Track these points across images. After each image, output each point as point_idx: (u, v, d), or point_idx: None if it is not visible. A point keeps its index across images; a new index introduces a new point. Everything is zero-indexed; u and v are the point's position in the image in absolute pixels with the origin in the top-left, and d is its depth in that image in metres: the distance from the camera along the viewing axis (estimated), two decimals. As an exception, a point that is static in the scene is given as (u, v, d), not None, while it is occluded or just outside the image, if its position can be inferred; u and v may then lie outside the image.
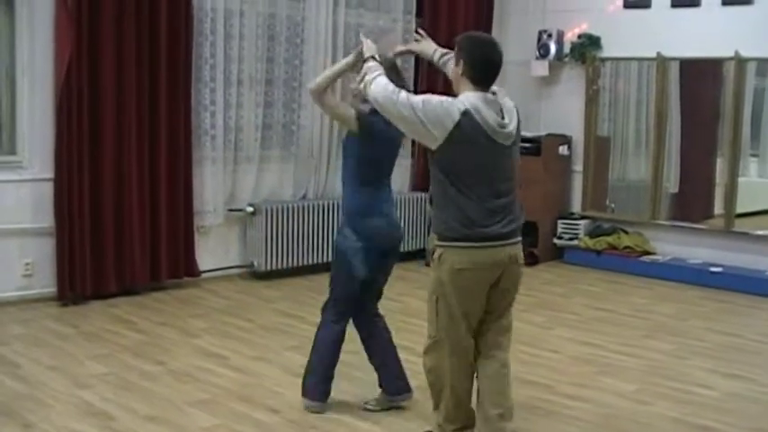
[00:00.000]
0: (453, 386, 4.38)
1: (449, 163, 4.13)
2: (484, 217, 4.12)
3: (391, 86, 4.15)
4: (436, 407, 4.53)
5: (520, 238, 4.31)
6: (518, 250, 4.29)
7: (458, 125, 4.02)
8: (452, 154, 4.09)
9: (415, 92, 4.30)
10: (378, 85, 4.18)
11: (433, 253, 4.30)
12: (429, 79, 8.72)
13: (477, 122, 4.05)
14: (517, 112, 4.29)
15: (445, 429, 4.48)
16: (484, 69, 4.19)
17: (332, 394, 5.15)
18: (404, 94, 4.12)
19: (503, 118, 4.16)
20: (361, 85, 4.31)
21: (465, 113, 4.03)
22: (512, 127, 4.19)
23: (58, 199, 6.98)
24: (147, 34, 7.33)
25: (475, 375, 4.45)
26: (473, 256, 4.15)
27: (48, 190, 7.01)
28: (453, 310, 4.23)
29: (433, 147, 4.10)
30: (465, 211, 4.11)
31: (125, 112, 7.25)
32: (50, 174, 6.99)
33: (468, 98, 4.10)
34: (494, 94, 4.20)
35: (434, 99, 4.09)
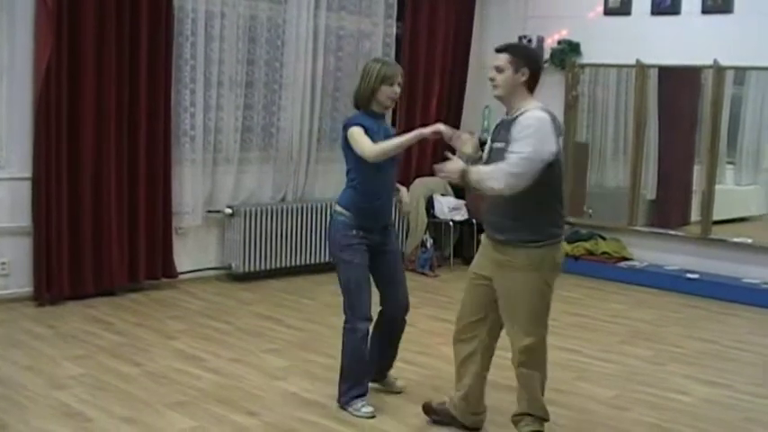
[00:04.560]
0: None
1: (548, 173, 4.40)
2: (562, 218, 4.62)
3: (502, 170, 4.28)
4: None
5: None
6: None
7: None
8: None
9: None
10: (501, 179, 4.29)
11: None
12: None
13: (559, 126, 4.50)
14: None
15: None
16: (538, 80, 4.56)
17: (313, 398, 5.21)
18: (513, 159, 4.27)
19: None
20: (494, 189, 4.37)
21: (552, 120, 4.42)
22: None
23: (35, 198, 6.95)
24: (127, 35, 7.29)
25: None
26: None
27: (25, 189, 6.97)
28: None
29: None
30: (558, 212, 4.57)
31: (104, 113, 7.22)
32: (28, 173, 6.95)
33: (540, 107, 4.46)
34: None
35: (537, 133, 4.32)
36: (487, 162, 4.55)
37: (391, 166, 5.08)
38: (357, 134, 4.88)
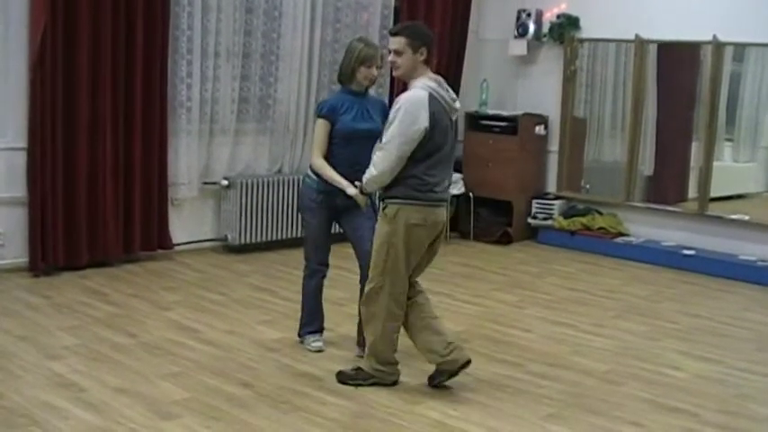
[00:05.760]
0: None
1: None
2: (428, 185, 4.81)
3: (376, 163, 4.78)
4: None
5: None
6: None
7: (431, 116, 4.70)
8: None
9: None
10: (377, 174, 4.79)
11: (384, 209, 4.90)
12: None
13: (446, 99, 4.79)
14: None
15: None
16: (433, 53, 4.92)
17: (307, 369, 5.22)
18: (382, 152, 4.74)
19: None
20: (375, 184, 4.90)
21: (430, 97, 4.71)
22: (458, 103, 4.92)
23: (30, 169, 6.92)
24: (123, 5, 7.24)
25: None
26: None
27: (20, 159, 6.94)
28: (401, 260, 4.87)
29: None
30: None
31: (100, 83, 7.18)
32: (23, 143, 6.92)
33: (422, 85, 4.75)
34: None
35: (405, 115, 4.66)
36: None
37: (366, 144, 5.15)
38: (317, 130, 5.35)
